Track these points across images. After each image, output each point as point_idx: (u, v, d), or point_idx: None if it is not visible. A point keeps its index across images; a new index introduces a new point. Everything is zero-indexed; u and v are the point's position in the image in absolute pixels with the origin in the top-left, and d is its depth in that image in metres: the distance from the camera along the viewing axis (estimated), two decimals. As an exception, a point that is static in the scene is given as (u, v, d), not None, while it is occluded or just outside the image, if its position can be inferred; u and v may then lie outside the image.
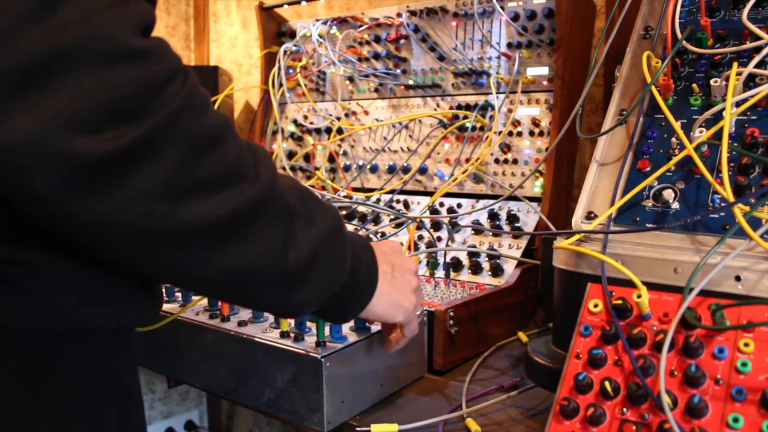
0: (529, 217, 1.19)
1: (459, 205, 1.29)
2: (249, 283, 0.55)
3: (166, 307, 0.96)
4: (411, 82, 1.43)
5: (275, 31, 1.71)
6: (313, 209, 0.59)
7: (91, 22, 0.43)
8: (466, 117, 1.33)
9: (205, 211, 0.48)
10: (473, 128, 1.32)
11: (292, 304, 0.60)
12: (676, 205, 0.73)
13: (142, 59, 0.45)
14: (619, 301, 0.64)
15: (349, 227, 1.32)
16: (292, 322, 0.84)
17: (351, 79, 1.54)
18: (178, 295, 1.01)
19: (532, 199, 1.22)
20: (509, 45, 1.30)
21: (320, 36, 1.53)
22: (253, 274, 0.54)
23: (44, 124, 0.41)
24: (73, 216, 0.45)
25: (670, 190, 0.73)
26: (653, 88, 0.80)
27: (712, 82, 0.77)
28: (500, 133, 1.28)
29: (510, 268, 1.13)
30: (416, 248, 1.24)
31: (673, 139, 0.77)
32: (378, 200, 1.40)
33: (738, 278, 0.62)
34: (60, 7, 0.42)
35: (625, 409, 0.58)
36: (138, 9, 0.46)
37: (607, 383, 0.59)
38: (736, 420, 0.53)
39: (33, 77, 0.42)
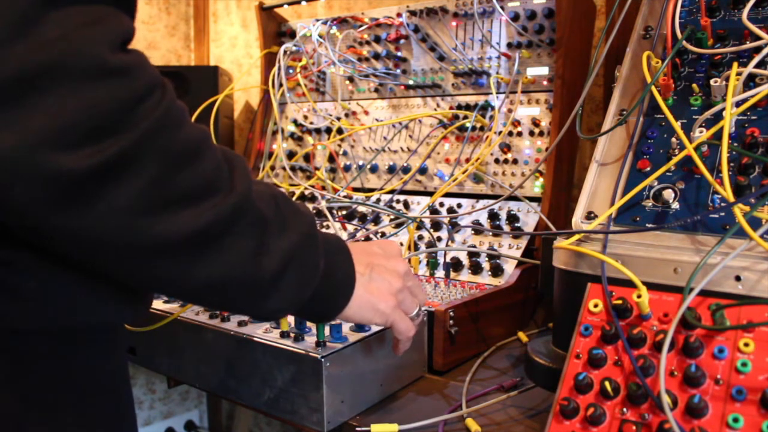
0: (529, 217, 1.19)
1: (459, 205, 1.29)
2: (223, 292, 0.56)
3: (166, 307, 0.96)
4: (411, 82, 1.43)
5: (275, 31, 1.71)
6: (287, 216, 0.60)
7: (69, 40, 0.43)
8: (466, 117, 1.33)
9: (180, 224, 0.49)
10: (473, 128, 1.32)
11: (266, 311, 0.61)
12: (676, 205, 0.73)
13: (119, 76, 0.45)
14: (619, 301, 0.64)
15: (349, 227, 1.33)
16: (292, 322, 0.84)
17: (351, 79, 1.54)
18: (178, 295, 1.01)
19: (532, 199, 1.21)
20: (509, 45, 1.30)
21: (320, 36, 1.53)
22: (227, 283, 0.55)
23: (24, 140, 0.42)
24: (52, 229, 0.46)
25: (670, 190, 0.73)
26: (653, 88, 0.80)
27: (712, 82, 0.77)
28: (500, 133, 1.28)
29: (510, 268, 1.13)
30: (416, 248, 1.24)
31: (673, 139, 0.77)
32: (378, 200, 1.40)
33: (738, 278, 0.62)
34: (39, 25, 0.42)
35: (625, 409, 0.58)
36: (115, 24, 0.47)
37: (607, 383, 0.59)
38: (736, 420, 0.53)
39: (12, 94, 0.42)
